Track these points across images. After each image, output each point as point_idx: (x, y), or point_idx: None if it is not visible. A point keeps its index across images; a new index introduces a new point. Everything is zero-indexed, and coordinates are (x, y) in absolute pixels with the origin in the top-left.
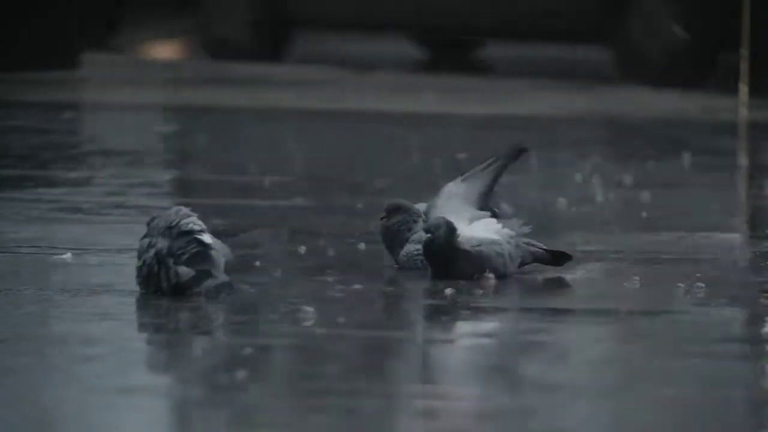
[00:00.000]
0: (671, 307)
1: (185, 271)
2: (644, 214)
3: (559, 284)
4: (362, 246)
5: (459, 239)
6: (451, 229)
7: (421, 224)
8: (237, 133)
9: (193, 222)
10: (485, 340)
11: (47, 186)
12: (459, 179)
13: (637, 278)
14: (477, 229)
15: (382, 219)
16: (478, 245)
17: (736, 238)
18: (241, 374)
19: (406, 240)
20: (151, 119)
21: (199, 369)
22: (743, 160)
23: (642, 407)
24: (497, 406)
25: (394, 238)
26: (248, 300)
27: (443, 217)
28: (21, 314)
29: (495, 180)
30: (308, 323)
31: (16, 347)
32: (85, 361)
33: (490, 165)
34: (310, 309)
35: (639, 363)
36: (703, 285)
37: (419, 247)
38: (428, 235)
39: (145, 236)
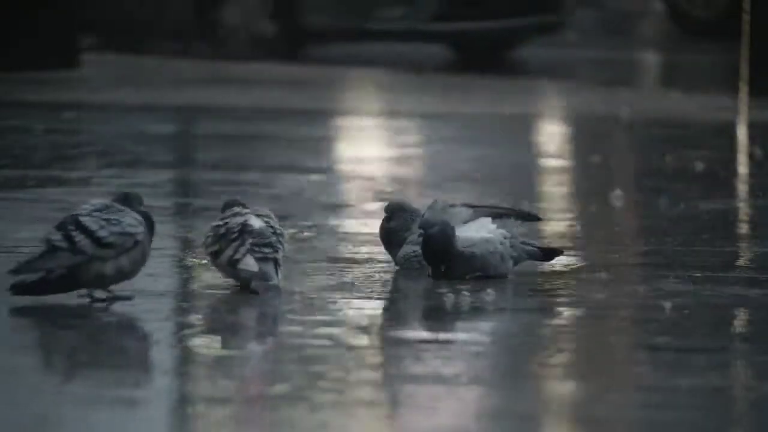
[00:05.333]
0: (662, 304)
1: (251, 263)
2: (644, 214)
3: (556, 284)
4: (366, 247)
5: (454, 240)
6: (445, 229)
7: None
8: (237, 132)
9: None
10: (482, 340)
11: (47, 186)
12: (471, 206)
13: (635, 280)
14: (471, 230)
15: (384, 219)
16: (471, 246)
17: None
18: (240, 374)
19: (404, 240)
20: (150, 119)
21: (199, 369)
22: (743, 160)
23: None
24: (498, 405)
25: (393, 239)
26: (247, 299)
27: (440, 219)
28: (21, 314)
29: (494, 219)
30: (308, 324)
31: (16, 347)
32: (85, 361)
33: (499, 212)
34: (309, 308)
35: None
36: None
37: (416, 248)
38: (421, 231)
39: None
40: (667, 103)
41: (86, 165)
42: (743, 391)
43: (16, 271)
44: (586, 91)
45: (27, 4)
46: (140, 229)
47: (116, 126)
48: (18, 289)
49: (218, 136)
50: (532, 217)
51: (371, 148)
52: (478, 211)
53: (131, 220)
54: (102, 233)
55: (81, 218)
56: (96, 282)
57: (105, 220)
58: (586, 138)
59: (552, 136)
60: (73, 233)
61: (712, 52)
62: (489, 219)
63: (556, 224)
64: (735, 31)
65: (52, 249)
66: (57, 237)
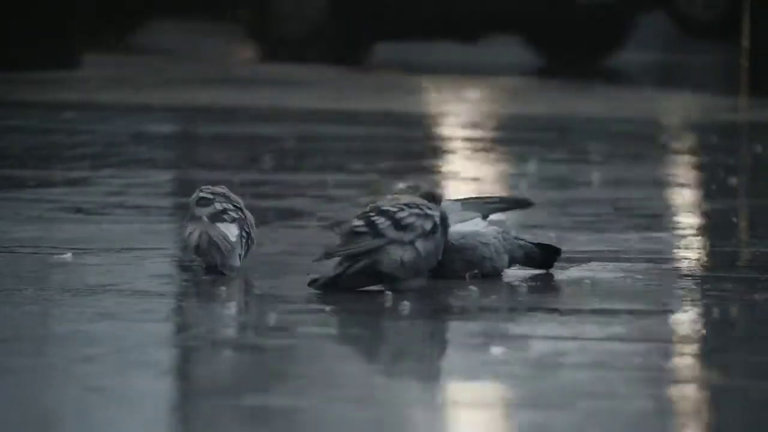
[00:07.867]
0: (665, 306)
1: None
2: (643, 214)
3: (552, 284)
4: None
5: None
6: (445, 218)
7: None
8: (237, 132)
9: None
10: (481, 340)
11: (47, 186)
12: (456, 200)
13: (633, 278)
14: (462, 226)
15: None
16: (461, 238)
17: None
18: (240, 373)
19: None
20: (150, 119)
21: (199, 369)
22: (743, 160)
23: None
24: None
25: None
26: (246, 298)
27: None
28: (21, 314)
29: (490, 214)
30: (308, 323)
31: (16, 347)
32: (85, 361)
33: (491, 203)
34: (305, 308)
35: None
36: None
37: None
38: None
39: None
40: (667, 103)
41: (86, 165)
42: (743, 391)
43: (322, 257)
44: (585, 91)
45: (27, 3)
46: (437, 214)
47: (116, 126)
48: (317, 284)
49: (219, 135)
50: (522, 204)
51: None
52: (466, 203)
53: (430, 205)
54: (401, 214)
55: (382, 206)
56: (395, 269)
57: (405, 204)
58: (586, 139)
59: (554, 136)
60: (374, 218)
61: (712, 52)
62: (480, 218)
63: (556, 224)
64: (735, 31)
65: (353, 234)
66: (359, 223)
